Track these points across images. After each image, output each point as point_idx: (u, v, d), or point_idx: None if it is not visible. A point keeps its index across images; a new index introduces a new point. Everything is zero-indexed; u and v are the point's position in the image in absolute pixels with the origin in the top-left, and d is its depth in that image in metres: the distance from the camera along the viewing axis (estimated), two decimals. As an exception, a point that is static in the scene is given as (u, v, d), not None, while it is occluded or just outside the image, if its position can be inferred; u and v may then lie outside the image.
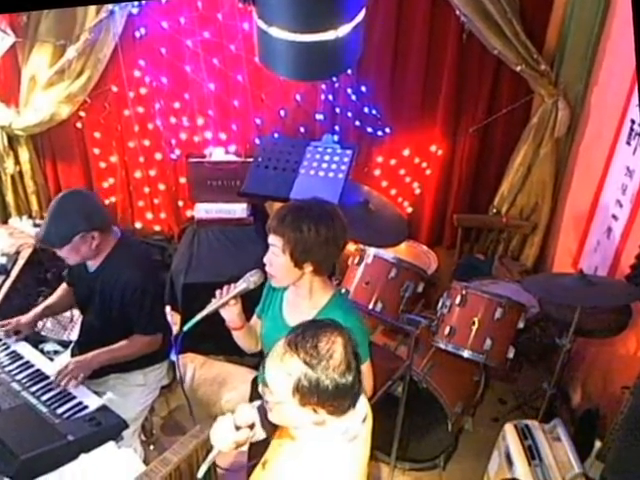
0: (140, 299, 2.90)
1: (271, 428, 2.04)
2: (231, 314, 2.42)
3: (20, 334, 3.11)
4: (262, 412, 2.01)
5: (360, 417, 1.87)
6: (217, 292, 2.38)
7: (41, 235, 2.78)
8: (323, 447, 1.82)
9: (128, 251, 2.96)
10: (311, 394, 1.70)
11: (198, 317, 2.31)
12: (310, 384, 1.69)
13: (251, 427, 2.03)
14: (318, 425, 1.78)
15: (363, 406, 1.89)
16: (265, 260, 2.31)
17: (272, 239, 2.26)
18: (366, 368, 2.40)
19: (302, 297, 2.38)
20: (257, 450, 2.20)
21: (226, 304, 2.37)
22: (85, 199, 2.85)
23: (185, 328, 2.31)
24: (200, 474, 2.01)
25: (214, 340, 4.01)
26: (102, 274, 2.92)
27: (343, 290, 3.53)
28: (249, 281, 2.36)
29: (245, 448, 2.09)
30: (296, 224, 2.20)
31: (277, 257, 2.26)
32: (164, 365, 3.26)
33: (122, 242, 2.95)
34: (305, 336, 1.73)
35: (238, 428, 2.01)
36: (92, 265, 2.94)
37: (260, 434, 2.10)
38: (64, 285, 3.27)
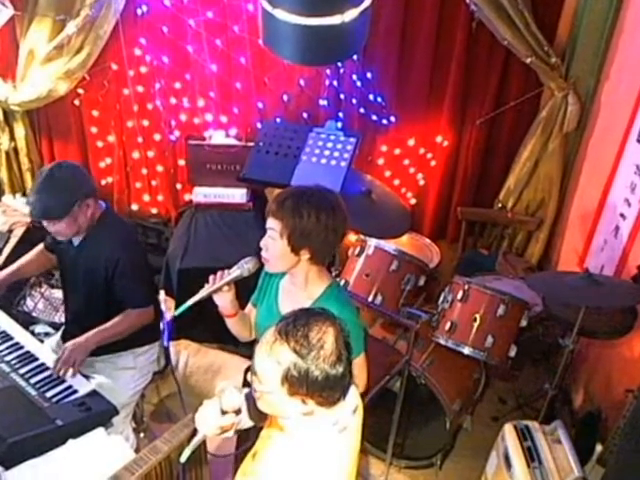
0: (126, 272, 2.87)
1: (259, 417, 2.01)
2: (224, 301, 2.38)
3: None
4: (251, 400, 1.97)
5: (350, 408, 1.84)
6: (210, 277, 2.33)
7: (40, 211, 2.72)
8: (312, 438, 1.79)
9: (110, 224, 2.93)
10: (300, 384, 1.67)
11: (190, 302, 2.27)
12: (299, 374, 1.66)
13: (237, 412, 2.00)
14: (307, 415, 1.75)
15: (354, 397, 1.87)
16: (262, 244, 2.27)
17: (270, 222, 2.22)
18: (360, 362, 2.37)
19: (298, 286, 2.35)
20: (245, 437, 2.19)
21: (219, 290, 2.32)
22: (75, 168, 2.84)
23: (176, 312, 2.27)
24: (183, 458, 1.99)
25: (209, 328, 3.97)
26: (87, 247, 2.90)
27: (342, 282, 3.47)
28: (243, 268, 2.31)
29: (230, 434, 2.05)
30: (296, 209, 2.16)
31: (274, 241, 2.22)
32: (155, 348, 3.23)
33: (105, 215, 2.92)
34: (296, 325, 1.70)
35: (224, 413, 1.98)
36: (76, 238, 2.91)
37: (246, 422, 2.07)
38: (40, 247, 3.20)
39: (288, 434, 1.84)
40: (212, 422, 1.97)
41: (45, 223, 2.78)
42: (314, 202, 2.17)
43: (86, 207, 2.77)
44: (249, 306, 2.61)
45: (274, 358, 1.69)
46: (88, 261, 2.89)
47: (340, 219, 2.21)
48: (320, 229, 2.17)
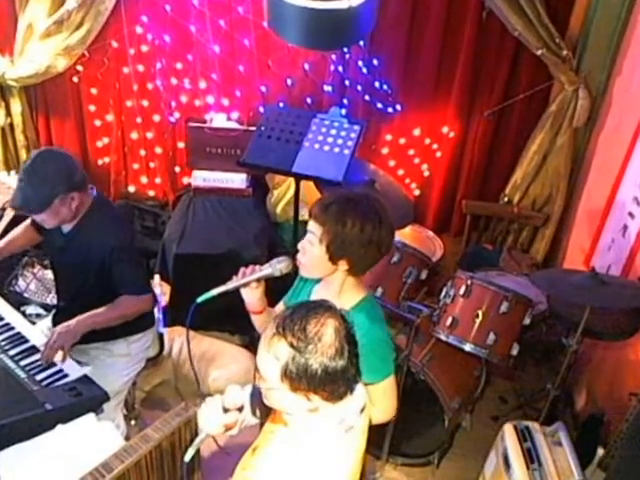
0: (122, 260, 2.80)
1: (267, 413, 1.97)
2: (251, 297, 2.29)
3: None
4: (255, 397, 1.94)
5: (358, 408, 1.80)
6: (240, 270, 2.24)
7: (19, 202, 2.63)
8: (316, 436, 1.75)
9: (104, 212, 2.86)
10: (300, 379, 1.63)
11: (214, 292, 2.17)
12: (298, 369, 1.62)
13: (240, 410, 1.96)
14: (312, 412, 1.71)
15: (361, 396, 1.82)
16: (299, 246, 2.18)
17: (311, 226, 2.12)
18: (387, 385, 2.24)
19: (331, 295, 2.18)
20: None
21: (247, 285, 2.24)
22: (61, 158, 2.71)
23: (199, 300, 2.17)
24: (187, 457, 1.93)
25: (205, 315, 3.90)
26: (78, 236, 2.81)
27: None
28: (275, 267, 2.21)
29: (235, 432, 2.00)
30: (340, 216, 2.05)
31: (312, 246, 2.12)
32: (149, 335, 3.17)
33: (97, 202, 2.84)
34: (294, 318, 1.66)
35: (226, 410, 1.93)
36: (66, 226, 2.82)
37: (250, 419, 2.02)
38: (27, 223, 3.10)
39: (292, 430, 1.80)
40: (215, 420, 1.93)
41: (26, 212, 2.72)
42: (360, 211, 2.06)
43: (70, 200, 2.66)
44: (280, 304, 2.52)
45: (273, 354, 1.65)
46: (81, 250, 2.80)
47: (386, 232, 2.10)
48: (363, 241, 2.06)
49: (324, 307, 1.70)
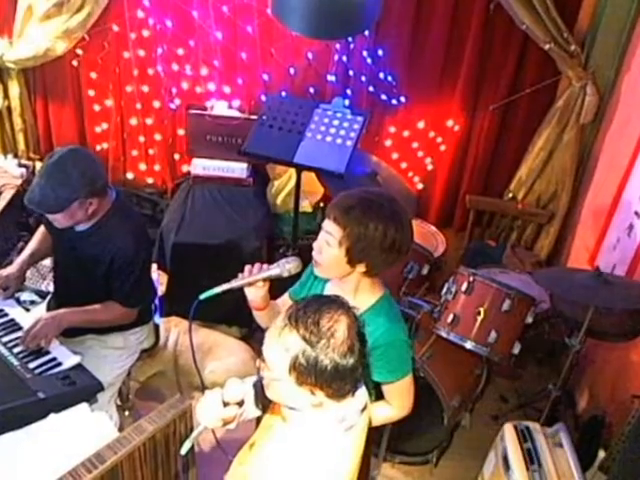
0: (128, 269, 2.76)
1: (269, 406, 1.95)
2: (255, 295, 2.24)
3: (9, 290, 2.90)
4: (259, 388, 1.92)
5: (359, 407, 1.79)
6: (246, 268, 2.18)
7: (36, 199, 2.54)
8: (316, 433, 1.74)
9: (125, 216, 2.80)
10: (308, 373, 1.64)
11: (218, 289, 2.12)
12: (308, 363, 1.62)
13: (240, 404, 1.93)
14: (315, 407, 1.72)
15: (363, 396, 1.82)
16: (315, 245, 2.12)
17: (330, 227, 2.06)
18: (406, 384, 2.24)
19: (346, 294, 2.10)
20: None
21: (253, 285, 2.19)
22: (88, 162, 2.63)
23: (202, 297, 2.12)
24: (183, 450, 1.91)
25: (202, 306, 3.86)
26: (94, 235, 2.74)
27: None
28: (284, 268, 2.15)
29: (233, 426, 1.97)
30: (363, 220, 2.00)
31: (330, 248, 2.06)
32: (146, 328, 3.13)
33: (118, 205, 2.78)
34: (307, 311, 1.66)
35: (226, 404, 1.90)
36: (80, 225, 2.76)
37: (251, 411, 2.00)
38: (42, 228, 3.06)
39: (290, 425, 1.80)
40: (213, 414, 1.89)
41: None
42: (383, 214, 2.01)
43: (88, 205, 2.60)
44: (285, 297, 2.47)
45: (282, 345, 1.65)
46: (95, 248, 2.74)
47: (407, 237, 2.06)
48: (385, 246, 2.01)
49: (337, 303, 1.71)
